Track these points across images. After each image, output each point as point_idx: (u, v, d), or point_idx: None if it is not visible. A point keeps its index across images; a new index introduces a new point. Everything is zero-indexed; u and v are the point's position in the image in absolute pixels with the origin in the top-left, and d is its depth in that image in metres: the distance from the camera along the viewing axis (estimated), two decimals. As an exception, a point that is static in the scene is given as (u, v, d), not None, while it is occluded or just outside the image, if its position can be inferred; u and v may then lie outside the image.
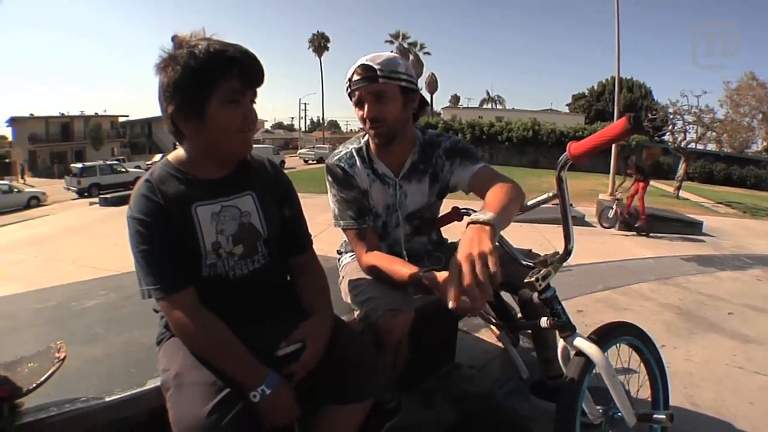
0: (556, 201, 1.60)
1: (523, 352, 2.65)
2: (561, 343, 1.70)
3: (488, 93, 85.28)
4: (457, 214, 1.95)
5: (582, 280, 4.90)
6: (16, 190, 25.28)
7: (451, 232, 2.13)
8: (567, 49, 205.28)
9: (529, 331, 2.76)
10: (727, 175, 36.19)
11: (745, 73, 25.80)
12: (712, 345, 3.41)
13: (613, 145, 14.32)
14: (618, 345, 1.80)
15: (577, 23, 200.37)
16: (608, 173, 14.97)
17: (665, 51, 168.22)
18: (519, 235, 7.03)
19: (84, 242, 7.75)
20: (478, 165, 1.92)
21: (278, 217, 1.58)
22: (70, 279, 3.90)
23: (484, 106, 76.65)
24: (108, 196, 14.13)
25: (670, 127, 21.58)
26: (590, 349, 1.58)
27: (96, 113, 55.09)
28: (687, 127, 21.23)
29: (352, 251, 2.08)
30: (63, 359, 1.38)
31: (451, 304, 1.23)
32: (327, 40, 69.67)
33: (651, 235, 8.44)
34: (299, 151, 51.06)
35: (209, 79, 1.29)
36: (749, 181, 35.13)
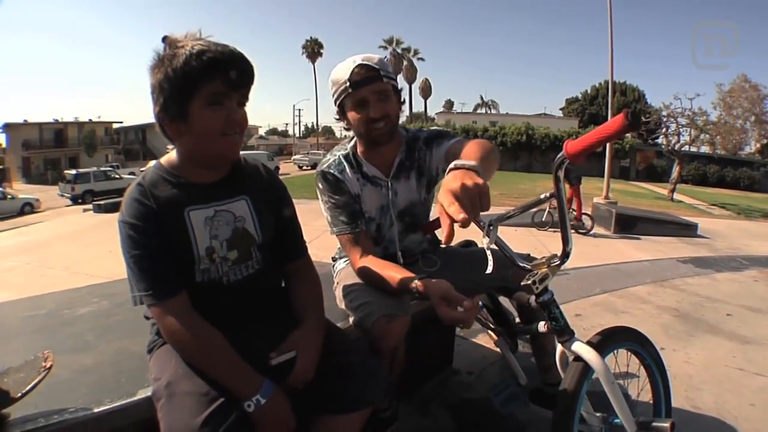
0: (553, 202, 1.58)
1: (522, 358, 2.63)
2: (559, 347, 1.67)
3: (482, 98, 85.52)
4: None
5: (579, 284, 4.89)
6: (9, 196, 25.22)
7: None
8: (560, 53, 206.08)
9: (528, 337, 2.74)
10: (720, 177, 36.48)
11: (738, 75, 25.91)
12: (711, 347, 3.40)
13: (608, 148, 14.45)
14: (616, 351, 1.77)
15: (570, 27, 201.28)
16: (602, 177, 14.97)
17: (658, 54, 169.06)
18: (516, 240, 7.06)
19: (77, 249, 7.72)
20: (453, 140, 1.95)
21: (273, 223, 1.55)
22: (62, 286, 3.85)
23: (478, 111, 77.02)
24: (102, 202, 14.08)
25: (664, 130, 21.73)
26: (589, 354, 1.55)
27: (90, 120, 55.15)
28: (680, 129, 21.41)
29: (347, 257, 2.05)
30: (49, 369, 1.35)
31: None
32: (320, 46, 69.93)
33: (646, 238, 8.44)
34: (293, 157, 51.26)
35: (191, 81, 1.26)
36: (743, 183, 35.42)
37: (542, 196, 1.66)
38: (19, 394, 1.27)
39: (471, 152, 1.49)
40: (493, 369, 2.87)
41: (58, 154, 50.66)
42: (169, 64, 1.27)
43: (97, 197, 22.62)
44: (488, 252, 1.65)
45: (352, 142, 2.04)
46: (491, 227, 1.70)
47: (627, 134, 1.41)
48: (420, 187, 2.09)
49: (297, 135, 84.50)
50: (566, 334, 1.62)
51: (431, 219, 2.12)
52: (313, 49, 69.69)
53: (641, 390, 1.94)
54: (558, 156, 1.44)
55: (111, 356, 1.68)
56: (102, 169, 31.17)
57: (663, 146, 23.38)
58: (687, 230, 9.27)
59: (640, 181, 34.50)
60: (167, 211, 1.35)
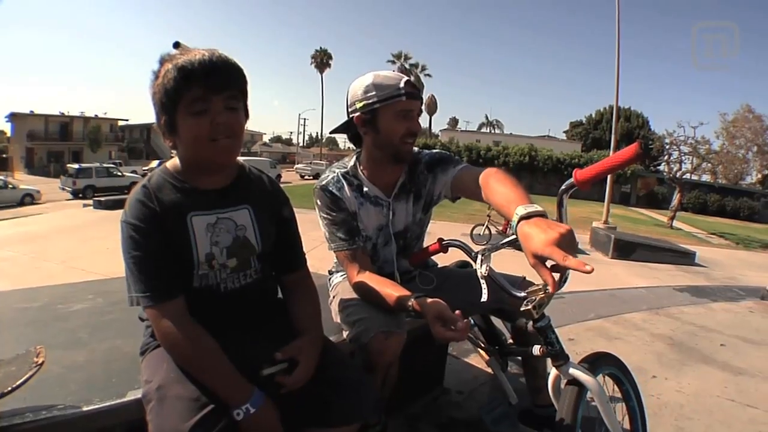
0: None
1: (512, 378, 2.62)
2: (553, 372, 1.67)
3: (487, 117, 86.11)
4: (442, 246, 1.92)
5: (574, 308, 4.88)
6: (11, 186, 25.22)
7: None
8: (567, 74, 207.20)
9: (519, 358, 2.74)
10: (721, 206, 36.51)
11: (741, 105, 26.01)
12: (703, 376, 3.39)
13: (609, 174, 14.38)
14: (601, 375, 1.77)
15: (577, 49, 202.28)
16: (603, 201, 14.99)
17: (664, 78, 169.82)
18: (512, 261, 7.00)
19: (75, 244, 7.70)
20: (458, 167, 1.96)
21: (273, 233, 1.55)
22: (58, 280, 3.87)
23: (482, 130, 77.41)
24: (102, 199, 14.06)
25: (666, 157, 21.76)
26: (585, 377, 1.56)
27: (96, 115, 55.29)
28: (683, 157, 21.42)
29: (344, 271, 2.05)
30: (41, 364, 1.35)
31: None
32: (329, 57, 70.22)
33: (643, 264, 8.43)
34: (296, 165, 51.48)
35: (172, 94, 1.28)
36: (743, 213, 35.46)
37: None
38: (9, 389, 1.27)
39: (515, 193, 1.50)
40: (483, 389, 2.86)
41: (62, 148, 50.74)
42: (156, 81, 1.31)
43: (98, 193, 22.65)
44: (483, 282, 1.66)
45: (353, 161, 2.04)
46: (484, 257, 1.70)
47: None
48: (417, 210, 2.10)
49: (301, 144, 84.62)
50: (561, 358, 1.62)
51: (423, 246, 2.14)
52: (322, 60, 69.97)
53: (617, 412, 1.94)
54: (566, 183, 1.45)
55: (103, 355, 1.67)
56: (105, 165, 31.17)
57: (665, 173, 23.45)
58: (685, 258, 9.26)
59: (640, 207, 34.53)
60: (170, 215, 1.35)
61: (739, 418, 2.78)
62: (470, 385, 2.91)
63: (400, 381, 1.87)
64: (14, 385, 1.27)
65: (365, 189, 2.00)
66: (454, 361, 3.14)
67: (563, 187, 1.47)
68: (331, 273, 2.27)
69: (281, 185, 1.69)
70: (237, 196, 1.47)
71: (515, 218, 1.32)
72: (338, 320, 1.94)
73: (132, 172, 33.08)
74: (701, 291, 6.50)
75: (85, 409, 1.32)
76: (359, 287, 1.87)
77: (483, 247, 1.75)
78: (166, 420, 1.18)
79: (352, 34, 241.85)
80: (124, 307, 1.40)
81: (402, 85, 1.83)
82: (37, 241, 7.86)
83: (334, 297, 2.08)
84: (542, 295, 1.57)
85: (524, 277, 1.97)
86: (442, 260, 2.29)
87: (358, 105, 1.88)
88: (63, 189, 27.18)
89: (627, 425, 1.89)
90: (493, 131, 78.06)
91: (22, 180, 34.13)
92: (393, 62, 63.50)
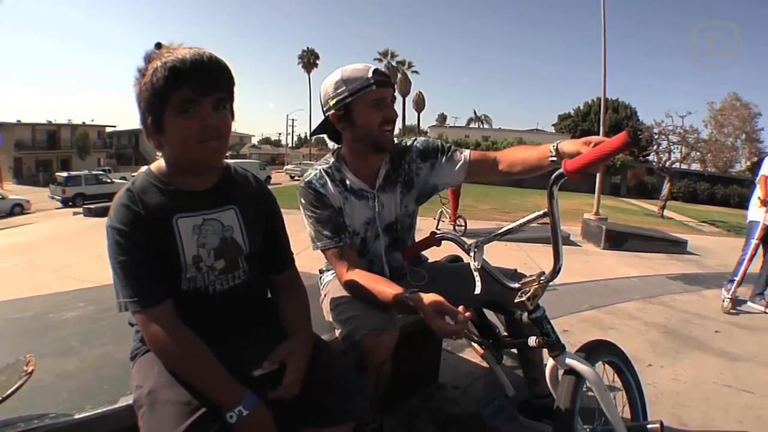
0: (547, 219, 1.58)
1: (507, 370, 2.62)
2: (550, 362, 1.68)
3: (475, 112, 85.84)
4: (435, 240, 1.92)
5: (567, 300, 4.89)
6: (0, 196, 25.06)
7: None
8: (554, 67, 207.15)
9: (514, 350, 2.74)
10: (711, 195, 36.75)
11: (729, 93, 26.24)
12: (699, 363, 3.40)
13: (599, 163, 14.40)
14: (600, 363, 1.79)
15: (564, 42, 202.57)
16: (593, 193, 15.02)
17: (651, 69, 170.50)
18: (503, 254, 7.05)
19: (66, 252, 7.64)
20: (465, 152, 2.08)
21: (261, 234, 1.54)
22: (49, 289, 3.83)
23: (471, 126, 77.37)
24: (92, 206, 13.93)
25: (655, 147, 21.84)
26: (582, 366, 1.57)
27: (83, 122, 55.18)
28: (672, 147, 21.51)
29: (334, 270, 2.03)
30: (31, 373, 1.34)
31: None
32: (317, 57, 70.11)
33: (635, 254, 8.45)
34: (286, 167, 51.51)
35: (159, 93, 1.26)
36: (733, 201, 35.67)
37: (536, 214, 1.66)
38: (0, 398, 1.26)
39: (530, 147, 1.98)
40: (479, 384, 2.86)
41: (50, 156, 50.57)
42: (142, 79, 1.28)
43: (88, 201, 22.49)
44: (476, 274, 1.66)
45: (334, 156, 2.03)
46: (477, 249, 1.70)
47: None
48: (407, 201, 2.09)
49: (290, 145, 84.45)
50: (557, 348, 1.62)
51: (416, 241, 2.13)
52: (309, 60, 69.87)
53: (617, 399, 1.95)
54: (556, 173, 1.44)
55: (94, 362, 1.66)
56: (93, 172, 31.12)
57: (654, 163, 23.53)
58: (676, 247, 9.27)
59: (630, 198, 34.67)
60: (155, 217, 1.34)
61: (736, 404, 2.79)
62: (466, 379, 2.90)
63: (394, 378, 1.87)
64: (4, 395, 1.27)
65: (349, 183, 1.99)
66: (448, 356, 3.14)
67: (552, 177, 1.46)
68: (321, 272, 2.25)
69: (271, 187, 1.68)
70: (223, 197, 1.46)
71: (553, 147, 1.75)
72: (330, 319, 1.93)
73: (121, 178, 32.89)
74: (694, 279, 6.52)
75: (77, 416, 1.32)
76: (350, 285, 1.85)
77: (476, 239, 1.75)
78: (158, 425, 1.17)
79: (339, 34, 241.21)
80: (116, 314, 1.39)
81: (370, 75, 1.83)
82: (28, 251, 7.80)
83: (325, 295, 2.06)
84: (536, 286, 1.57)
85: (516, 270, 1.97)
86: (432, 255, 2.29)
87: (331, 102, 1.88)
88: (52, 198, 27.05)
89: (627, 413, 1.90)
90: (482, 126, 78.16)
91: (11, 190, 33.93)
92: (380, 60, 63.66)
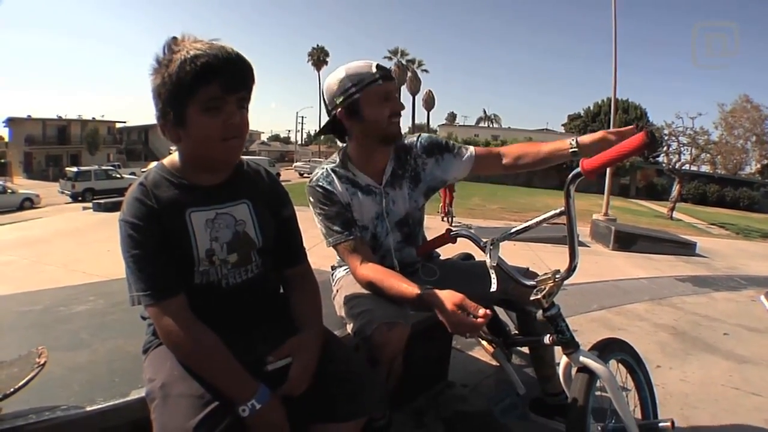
0: (561, 218, 1.58)
1: (516, 368, 2.61)
2: (564, 359, 1.68)
3: (485, 111, 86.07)
4: (450, 237, 1.92)
5: (576, 300, 4.86)
6: (9, 191, 25.22)
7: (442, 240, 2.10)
8: (564, 68, 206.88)
9: (525, 349, 2.74)
10: (720, 197, 36.56)
11: (740, 95, 26.04)
12: (707, 366, 3.38)
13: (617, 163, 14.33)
14: (613, 361, 1.79)
15: (574, 42, 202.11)
16: (602, 193, 14.97)
17: (661, 69, 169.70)
18: (512, 254, 7.01)
19: (75, 246, 7.68)
20: (469, 150, 2.14)
21: (273, 228, 1.54)
22: (59, 283, 3.85)
23: (481, 125, 77.40)
24: (102, 201, 14.04)
25: (665, 149, 21.74)
26: (596, 364, 1.58)
27: (93, 118, 55.48)
28: (682, 148, 21.41)
29: (347, 265, 2.04)
30: (43, 365, 1.34)
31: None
32: (326, 54, 70.32)
33: (644, 255, 8.42)
34: (295, 164, 51.48)
35: (186, 86, 1.25)
36: (742, 203, 35.51)
37: (553, 212, 1.66)
38: (12, 390, 1.26)
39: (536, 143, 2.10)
40: (488, 382, 2.85)
41: (60, 151, 50.90)
42: (166, 69, 1.26)
43: (98, 196, 22.58)
44: (491, 271, 1.66)
45: (341, 154, 2.05)
46: (492, 246, 1.71)
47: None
48: (416, 195, 2.11)
49: (299, 142, 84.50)
50: (572, 346, 1.63)
51: (427, 238, 2.13)
52: (319, 57, 70.04)
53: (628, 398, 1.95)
54: (573, 172, 1.44)
55: (105, 355, 1.67)
56: (103, 167, 31.28)
57: (664, 165, 23.48)
58: (686, 249, 9.24)
59: (639, 199, 34.56)
60: (168, 211, 1.34)
61: (744, 406, 2.77)
62: (475, 378, 2.89)
63: (404, 375, 1.86)
64: (16, 387, 1.27)
65: (356, 179, 2.00)
66: (458, 354, 3.13)
67: (570, 177, 1.46)
68: (333, 268, 2.26)
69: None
70: (235, 191, 1.46)
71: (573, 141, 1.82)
72: (342, 314, 1.93)
73: (131, 174, 33.05)
74: (703, 281, 6.48)
75: (88, 409, 1.32)
76: (364, 279, 1.86)
77: (492, 237, 1.75)
78: (171, 418, 1.17)
79: (349, 32, 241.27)
80: (126, 307, 1.39)
81: (374, 70, 1.86)
82: (37, 244, 7.84)
83: (337, 291, 2.07)
84: (552, 284, 1.58)
85: (528, 268, 1.97)
86: (443, 253, 2.29)
87: (338, 100, 1.89)
88: (62, 192, 27.18)
89: (638, 413, 1.90)
90: (491, 125, 78.18)
91: (21, 184, 34.20)
92: (389, 58, 63.71)
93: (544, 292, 1.59)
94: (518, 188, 28.98)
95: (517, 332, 2.26)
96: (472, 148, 2.14)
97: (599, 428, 1.69)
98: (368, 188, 2.01)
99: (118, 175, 29.98)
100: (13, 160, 47.22)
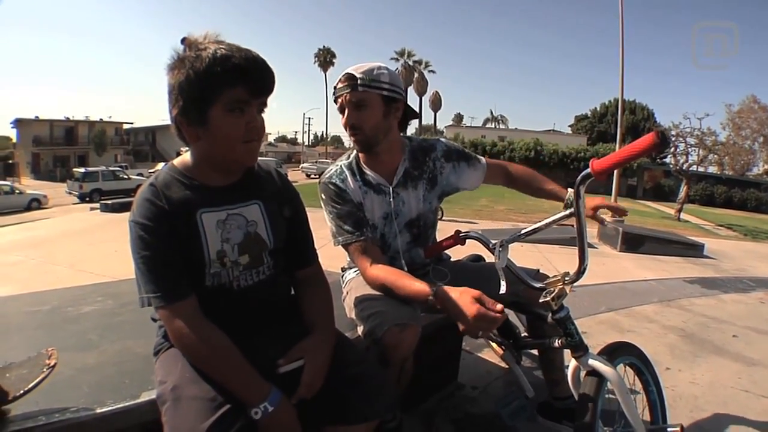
0: (572, 220, 1.57)
1: (526, 371, 2.60)
2: (573, 363, 1.67)
3: (492, 112, 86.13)
4: (459, 238, 1.91)
5: (585, 302, 4.85)
6: (17, 191, 25.33)
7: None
8: (571, 69, 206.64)
9: (535, 352, 2.73)
10: (728, 198, 36.44)
11: (747, 95, 25.93)
12: (716, 368, 3.36)
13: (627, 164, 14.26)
14: (622, 365, 1.79)
15: (581, 43, 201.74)
16: (610, 195, 14.93)
17: (668, 70, 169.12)
18: (520, 255, 7.00)
19: (83, 247, 7.70)
20: (482, 161, 2.23)
21: (284, 228, 1.54)
22: (66, 283, 3.86)
23: (488, 126, 77.40)
24: (109, 201, 14.06)
25: (672, 150, 21.65)
26: (605, 368, 1.57)
27: (101, 119, 55.76)
28: (689, 149, 21.32)
29: (357, 267, 2.04)
30: (53, 366, 1.34)
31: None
32: (333, 55, 70.36)
33: (652, 257, 8.38)
34: (302, 165, 51.62)
35: (213, 86, 1.25)
36: (750, 204, 35.38)
37: (562, 214, 1.66)
38: (21, 392, 1.26)
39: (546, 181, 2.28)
40: (497, 384, 2.84)
41: (68, 152, 51.12)
42: (191, 67, 1.25)
43: (105, 196, 22.70)
44: (501, 273, 1.66)
45: (355, 151, 2.06)
46: (501, 248, 1.70)
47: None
48: (431, 197, 2.11)
49: (306, 143, 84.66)
50: (581, 349, 1.62)
51: (437, 240, 2.13)
52: (326, 58, 70.11)
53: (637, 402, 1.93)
54: (583, 173, 1.43)
55: (114, 356, 1.66)
56: (111, 168, 31.33)
57: (671, 166, 23.36)
58: (693, 250, 9.18)
59: (647, 200, 34.45)
60: (179, 212, 1.34)
61: (754, 409, 2.75)
62: (485, 379, 2.89)
63: (415, 377, 1.86)
64: (26, 388, 1.27)
65: (368, 177, 2.01)
66: (467, 356, 3.13)
67: (579, 178, 1.45)
68: (344, 270, 2.25)
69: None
70: (247, 192, 1.46)
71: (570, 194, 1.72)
72: (352, 316, 1.92)
73: (138, 174, 33.20)
74: (711, 282, 6.44)
75: (98, 411, 1.32)
76: (374, 280, 1.85)
77: (501, 239, 1.74)
78: (182, 421, 1.16)
79: (355, 33, 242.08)
80: (134, 308, 1.39)
81: (336, 82, 1.93)
82: (45, 245, 7.86)
83: (347, 293, 2.06)
84: (561, 286, 1.57)
85: (538, 270, 1.96)
86: (453, 255, 2.29)
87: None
88: (69, 193, 27.23)
89: (647, 416, 1.89)
90: (498, 126, 78.08)
91: (29, 185, 34.32)
92: (396, 59, 63.74)
93: (553, 294, 1.59)
94: (524, 189, 28.88)
95: (526, 335, 2.25)
96: (484, 159, 2.23)
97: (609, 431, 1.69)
98: (379, 187, 2.02)
99: (126, 176, 30.04)
100: (20, 160, 47.50)
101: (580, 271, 1.56)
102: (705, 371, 3.27)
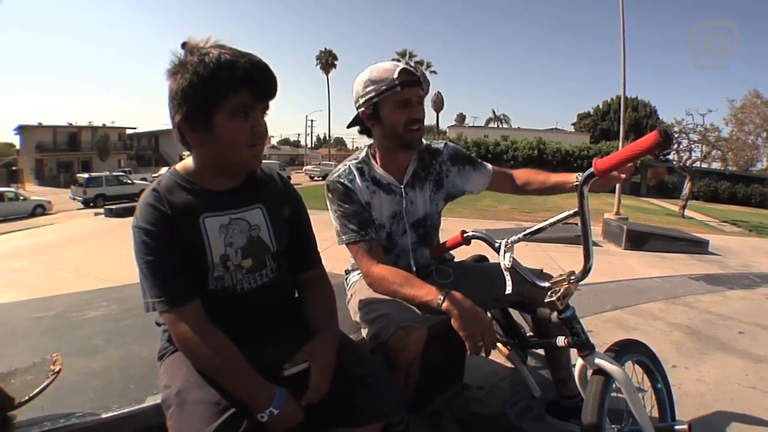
0: (576, 219, 1.57)
1: (532, 371, 2.60)
2: (579, 362, 1.67)
3: (494, 112, 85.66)
4: (464, 239, 1.91)
5: (590, 300, 4.84)
6: (22, 197, 25.38)
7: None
8: (573, 67, 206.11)
9: (540, 351, 2.72)
10: (732, 194, 36.28)
11: (749, 91, 25.85)
12: (723, 365, 3.35)
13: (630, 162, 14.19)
14: (629, 363, 1.78)
15: (582, 42, 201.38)
16: (613, 192, 14.88)
17: (670, 67, 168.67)
18: (524, 255, 6.95)
19: (87, 252, 7.71)
20: (488, 167, 2.23)
21: (287, 232, 1.54)
22: (71, 288, 3.87)
23: (490, 125, 77.20)
24: (113, 207, 14.06)
25: (675, 146, 21.57)
26: (612, 366, 1.57)
27: (104, 124, 55.84)
28: (692, 145, 21.23)
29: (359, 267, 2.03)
30: (58, 372, 1.34)
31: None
32: (335, 57, 70.29)
33: (657, 254, 8.36)
34: (305, 167, 51.73)
35: (218, 90, 1.25)
36: (754, 200, 35.23)
37: (566, 213, 1.65)
38: (26, 398, 1.26)
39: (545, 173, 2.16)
40: (503, 384, 2.83)
41: (71, 158, 51.20)
42: (195, 72, 1.25)
43: (109, 201, 22.69)
44: (506, 273, 1.65)
45: (365, 152, 2.05)
46: (506, 248, 1.70)
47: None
48: (437, 199, 2.13)
49: (309, 145, 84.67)
50: (587, 348, 1.62)
51: (441, 241, 2.13)
52: (327, 61, 70.06)
53: (645, 399, 1.93)
54: (586, 173, 1.43)
55: (119, 361, 1.67)
56: (114, 173, 31.37)
57: (674, 162, 23.26)
58: (698, 247, 9.14)
59: (650, 197, 34.32)
60: (182, 217, 1.34)
61: (761, 405, 2.74)
62: (491, 380, 2.88)
63: (421, 378, 1.85)
64: (32, 394, 1.27)
65: (378, 177, 2.01)
66: (473, 356, 3.11)
67: (583, 177, 1.45)
68: (347, 272, 2.25)
69: (290, 185, 1.68)
70: (249, 196, 1.46)
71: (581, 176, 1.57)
72: (357, 319, 1.92)
73: (142, 179, 33.25)
74: (716, 279, 6.42)
75: (104, 415, 1.32)
76: (376, 281, 1.86)
77: (506, 238, 1.74)
78: (187, 425, 1.17)
79: (357, 34, 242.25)
80: (139, 313, 1.39)
81: (396, 75, 1.86)
82: (49, 250, 7.87)
83: (351, 296, 2.07)
84: (567, 285, 1.56)
85: (542, 269, 1.96)
86: (457, 256, 2.28)
87: (361, 101, 1.92)
88: (74, 198, 27.29)
89: (656, 413, 1.88)
90: (500, 126, 77.93)
91: (33, 191, 34.44)
92: (398, 61, 63.39)
93: (558, 294, 1.58)
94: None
95: (532, 334, 2.25)
96: (490, 166, 2.23)
97: (615, 430, 1.68)
98: (389, 187, 2.02)
99: (129, 181, 30.09)
100: (24, 167, 47.64)
101: (586, 270, 1.56)
102: (711, 368, 3.26)
